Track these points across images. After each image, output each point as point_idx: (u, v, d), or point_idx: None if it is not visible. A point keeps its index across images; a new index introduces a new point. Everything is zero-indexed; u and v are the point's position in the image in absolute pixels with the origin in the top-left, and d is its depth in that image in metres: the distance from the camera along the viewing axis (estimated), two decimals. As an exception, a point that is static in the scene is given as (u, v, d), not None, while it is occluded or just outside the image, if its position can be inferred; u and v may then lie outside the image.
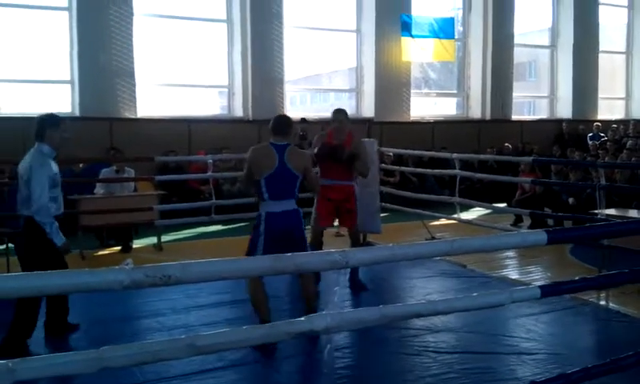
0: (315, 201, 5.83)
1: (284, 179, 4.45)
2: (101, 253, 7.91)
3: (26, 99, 10.68)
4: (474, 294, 2.36)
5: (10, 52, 10.42)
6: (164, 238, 8.22)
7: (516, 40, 14.74)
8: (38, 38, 10.56)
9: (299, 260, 1.98)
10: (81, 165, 9.37)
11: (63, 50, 10.63)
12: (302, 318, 2.06)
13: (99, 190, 8.17)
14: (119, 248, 7.99)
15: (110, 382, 3.79)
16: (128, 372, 3.88)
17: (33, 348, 4.43)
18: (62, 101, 10.75)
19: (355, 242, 5.99)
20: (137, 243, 8.28)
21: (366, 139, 8.16)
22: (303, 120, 10.56)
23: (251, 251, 4.42)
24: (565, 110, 15.68)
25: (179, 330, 4.82)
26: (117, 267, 1.84)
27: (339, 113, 5.92)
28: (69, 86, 10.72)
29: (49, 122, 4.53)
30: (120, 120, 10.66)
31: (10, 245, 6.56)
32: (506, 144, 13.34)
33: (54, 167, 4.53)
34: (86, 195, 7.99)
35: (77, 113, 10.52)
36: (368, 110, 13.05)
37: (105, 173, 8.18)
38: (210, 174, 8.50)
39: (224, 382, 3.90)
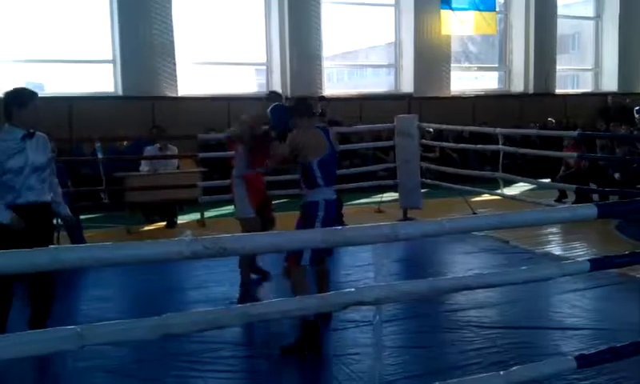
0: (240, 189, 5.06)
1: (333, 163, 4.30)
2: (147, 228, 8.13)
3: (70, 79, 10.95)
4: (523, 268, 2.36)
5: (54, 33, 10.66)
6: (207, 215, 8.38)
7: (559, 11, 14.34)
8: (80, 19, 10.76)
9: (349, 233, 2.02)
10: (125, 143, 9.58)
11: (104, 30, 10.82)
12: (352, 289, 2.11)
13: (144, 167, 8.36)
14: (164, 224, 8.19)
15: (164, 351, 3.93)
16: (178, 341, 4.01)
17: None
18: (104, 80, 10.98)
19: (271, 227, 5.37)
20: (180, 219, 8.46)
21: (406, 115, 8.15)
22: (322, 98, 10.53)
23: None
24: (610, 83, 15.23)
25: (225, 301, 4.95)
26: (177, 239, 1.91)
27: (274, 97, 5.19)
28: (111, 65, 10.93)
29: (14, 101, 3.86)
30: (162, 98, 10.83)
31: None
32: (550, 119, 13.07)
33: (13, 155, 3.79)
34: (131, 173, 8.20)
35: (120, 92, 10.74)
36: (407, 86, 12.92)
37: (149, 151, 8.36)
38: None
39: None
